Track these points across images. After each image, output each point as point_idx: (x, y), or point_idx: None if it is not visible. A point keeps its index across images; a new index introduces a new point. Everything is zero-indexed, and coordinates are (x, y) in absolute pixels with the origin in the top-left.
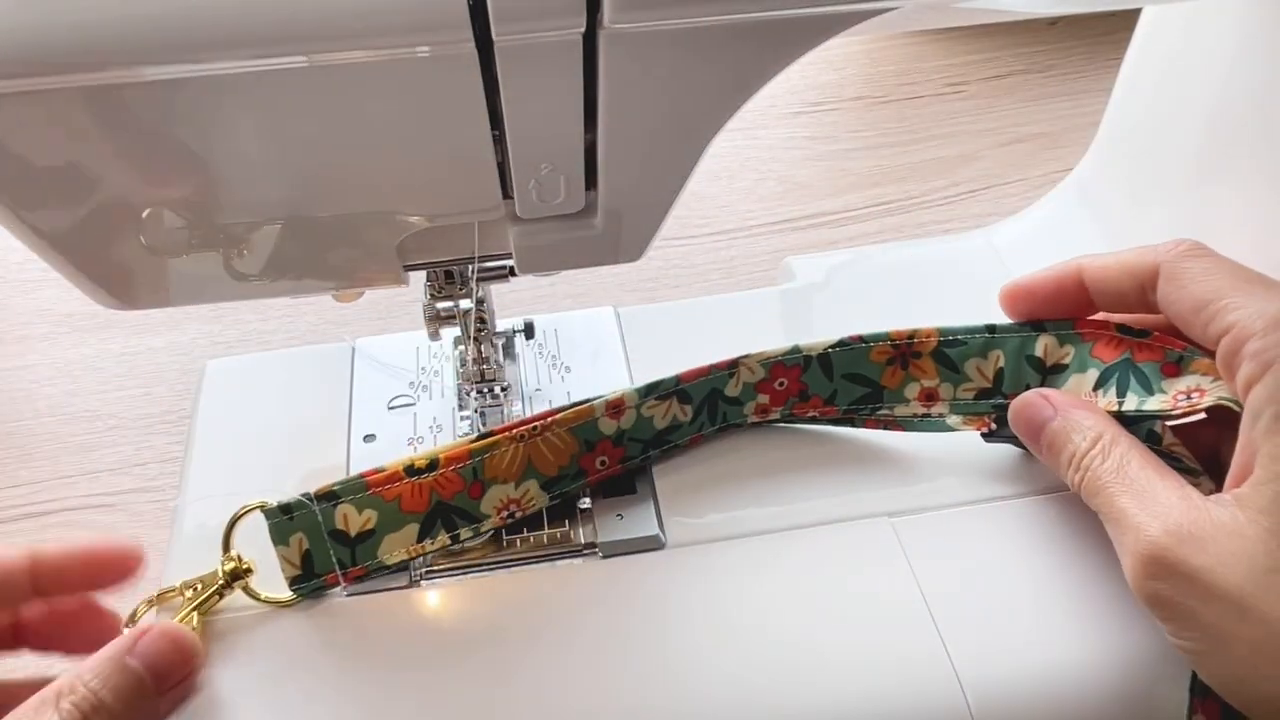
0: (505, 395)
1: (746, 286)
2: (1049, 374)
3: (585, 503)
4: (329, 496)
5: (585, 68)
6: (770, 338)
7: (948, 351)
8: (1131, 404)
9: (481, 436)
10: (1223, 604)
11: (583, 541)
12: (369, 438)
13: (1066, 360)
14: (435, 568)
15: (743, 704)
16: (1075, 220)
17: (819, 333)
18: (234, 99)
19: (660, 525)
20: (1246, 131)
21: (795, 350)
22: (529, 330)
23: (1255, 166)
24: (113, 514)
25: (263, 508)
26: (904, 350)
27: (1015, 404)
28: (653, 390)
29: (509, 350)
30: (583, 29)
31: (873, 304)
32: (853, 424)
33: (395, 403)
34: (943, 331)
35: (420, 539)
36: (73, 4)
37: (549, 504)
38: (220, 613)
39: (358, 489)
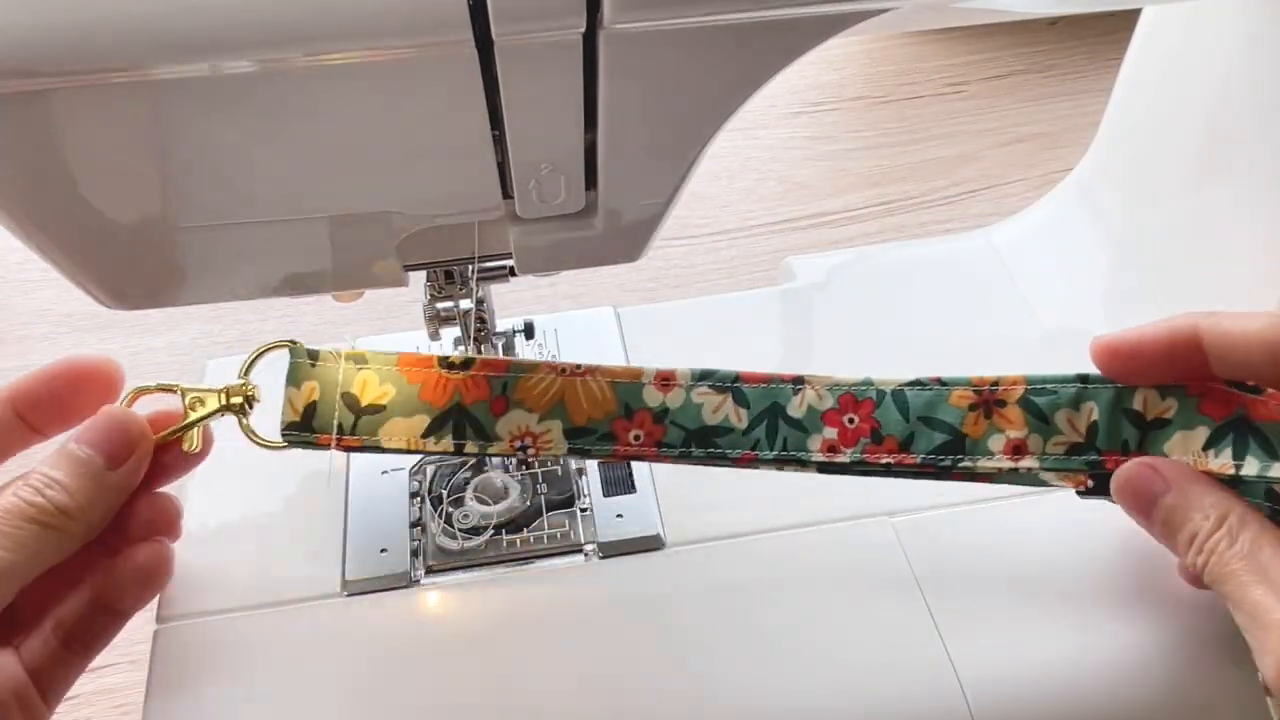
0: None
1: (746, 286)
2: (1149, 429)
3: (585, 502)
4: (358, 359)
5: (585, 68)
6: (770, 338)
7: (1036, 400)
8: (1252, 469)
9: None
10: None
11: (583, 541)
12: None
13: (1169, 415)
14: (435, 566)
15: (743, 704)
16: (1075, 220)
17: (820, 333)
18: (234, 99)
19: (660, 525)
20: (1246, 131)
21: (867, 383)
22: (529, 330)
23: (1255, 166)
24: None
25: (291, 345)
26: (987, 397)
27: (1120, 476)
28: (708, 376)
29: (509, 350)
30: (583, 29)
31: (873, 304)
32: (935, 477)
33: None
34: (1030, 380)
35: (426, 434)
36: (73, 4)
37: (566, 453)
38: (220, 613)
39: (387, 363)
